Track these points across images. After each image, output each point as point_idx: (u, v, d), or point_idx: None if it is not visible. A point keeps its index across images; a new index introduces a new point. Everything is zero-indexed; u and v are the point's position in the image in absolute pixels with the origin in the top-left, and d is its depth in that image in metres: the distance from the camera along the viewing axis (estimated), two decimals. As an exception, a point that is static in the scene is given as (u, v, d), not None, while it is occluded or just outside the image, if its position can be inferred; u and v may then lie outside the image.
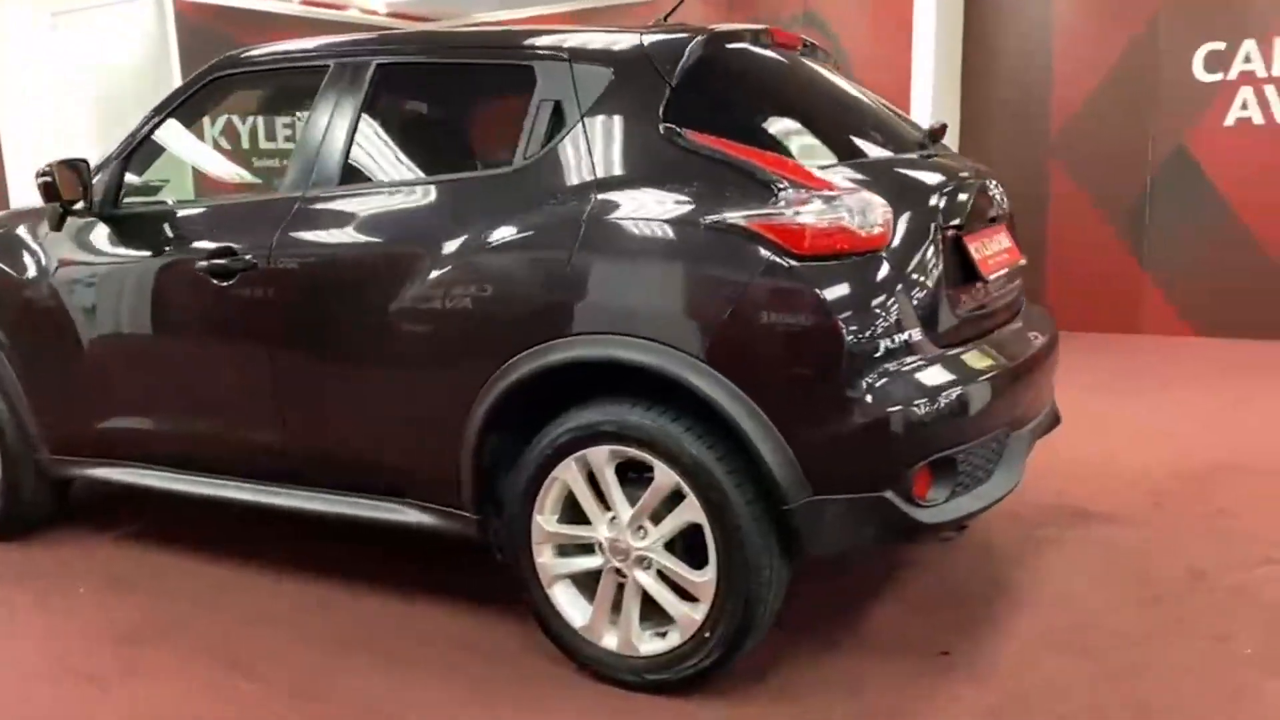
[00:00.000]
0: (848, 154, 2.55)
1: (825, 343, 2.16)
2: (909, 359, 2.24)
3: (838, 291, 2.17)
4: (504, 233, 2.46)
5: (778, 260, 2.16)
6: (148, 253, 3.07)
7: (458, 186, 2.62)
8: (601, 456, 2.36)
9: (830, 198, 2.20)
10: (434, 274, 2.52)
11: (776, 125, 2.66)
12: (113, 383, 3.17)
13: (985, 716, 2.29)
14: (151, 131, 3.18)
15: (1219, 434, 4.48)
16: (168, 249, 3.04)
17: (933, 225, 2.37)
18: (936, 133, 2.86)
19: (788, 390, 2.19)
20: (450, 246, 2.52)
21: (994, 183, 2.80)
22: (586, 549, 2.47)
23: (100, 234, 3.17)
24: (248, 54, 3.10)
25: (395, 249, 2.63)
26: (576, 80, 2.49)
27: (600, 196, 2.37)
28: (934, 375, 2.26)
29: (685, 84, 2.44)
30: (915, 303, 2.28)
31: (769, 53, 2.72)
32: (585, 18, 8.74)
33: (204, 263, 2.87)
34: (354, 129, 2.76)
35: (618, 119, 2.44)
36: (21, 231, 3.37)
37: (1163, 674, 2.44)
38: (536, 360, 2.38)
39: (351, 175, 2.76)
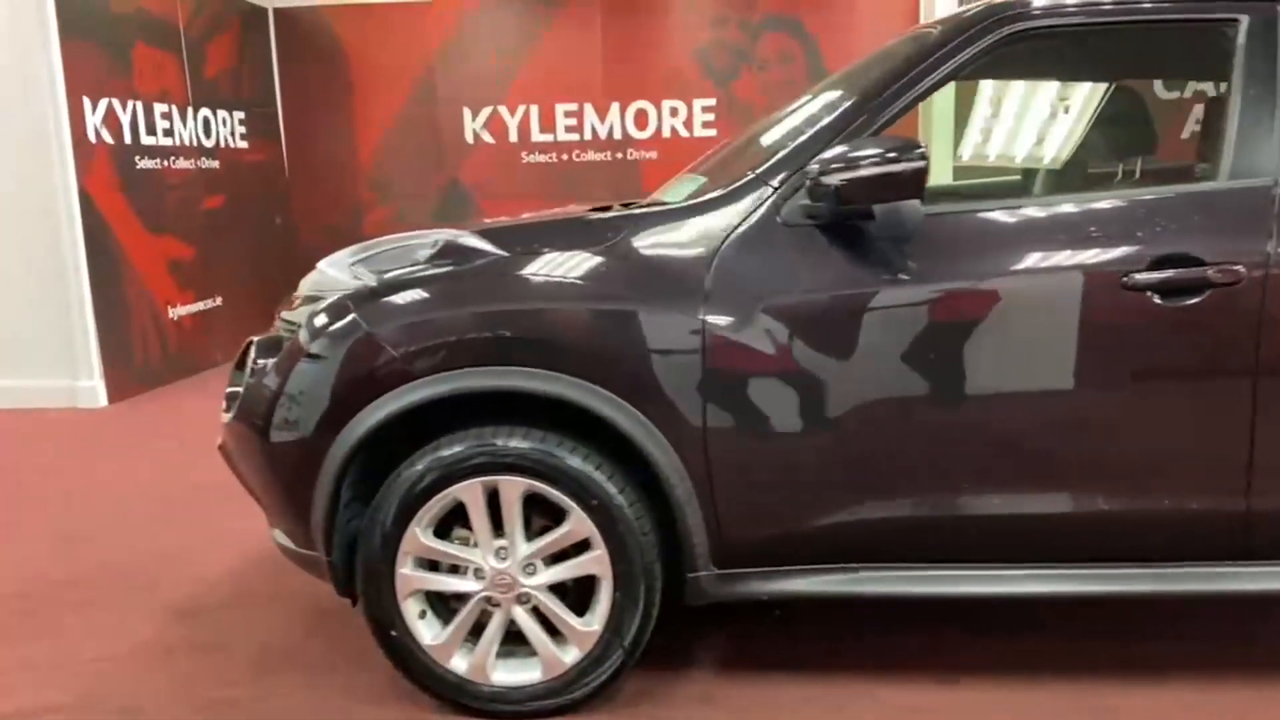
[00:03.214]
0: None
1: None
2: None
3: None
4: None
5: None
6: (994, 266, 2.20)
7: None
8: None
9: None
10: None
11: None
12: (892, 455, 2.22)
13: None
14: (904, 108, 2.28)
15: None
16: (1029, 260, 2.20)
17: None
18: None
19: None
20: None
21: None
22: None
23: (851, 245, 2.21)
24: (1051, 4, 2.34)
25: None
26: None
27: None
28: None
29: None
30: None
31: None
32: None
33: (1144, 276, 2.11)
34: None
35: None
36: (681, 253, 2.26)
37: None
38: None
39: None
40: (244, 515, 3.72)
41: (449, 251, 2.38)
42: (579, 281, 2.27)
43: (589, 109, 7.71)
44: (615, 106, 7.69)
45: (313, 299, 2.47)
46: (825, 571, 2.30)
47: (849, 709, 2.37)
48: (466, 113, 7.84)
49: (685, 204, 2.36)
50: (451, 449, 2.26)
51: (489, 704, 2.39)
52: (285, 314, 2.56)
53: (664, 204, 2.42)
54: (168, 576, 3.27)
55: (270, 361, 2.42)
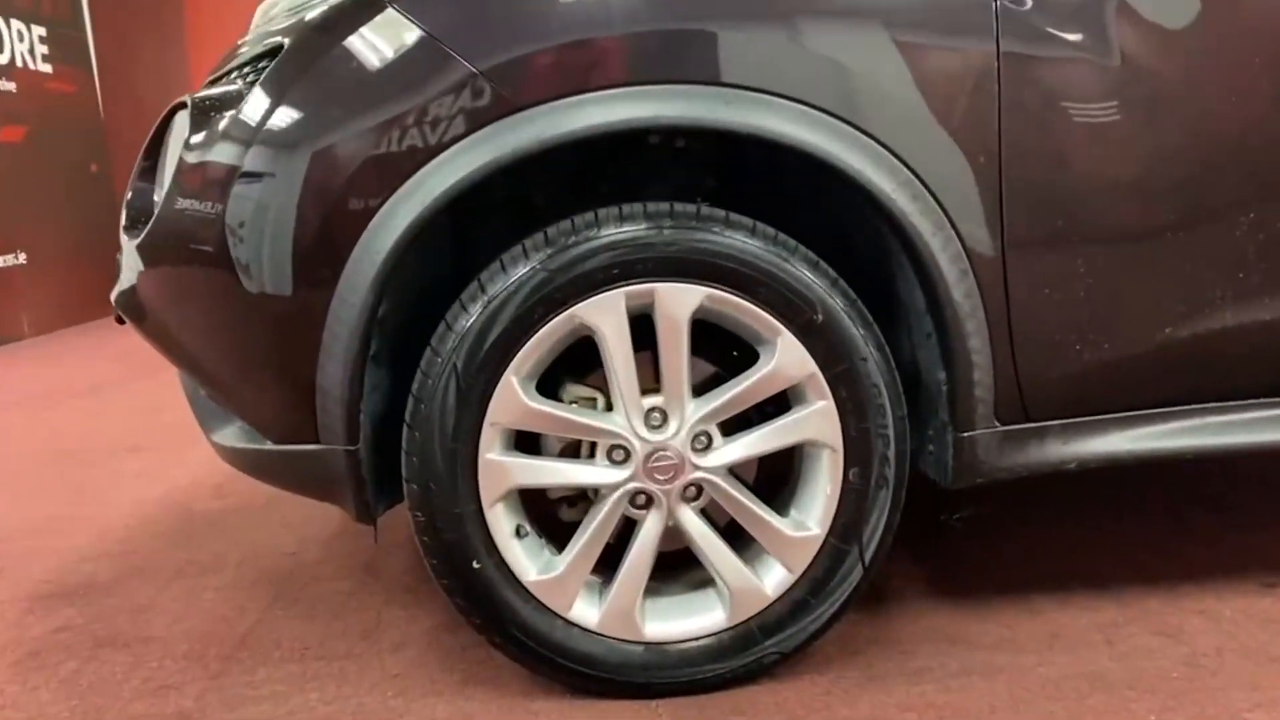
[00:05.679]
0: None
1: None
2: None
3: None
4: None
5: None
6: None
7: None
8: None
9: None
10: None
11: None
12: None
13: None
14: None
15: None
16: None
17: None
18: None
19: None
20: None
21: None
22: None
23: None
24: None
25: None
26: None
27: None
28: None
29: None
30: None
31: None
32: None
33: None
34: None
35: None
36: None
37: None
38: None
39: None
40: (105, 482, 2.61)
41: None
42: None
43: (473, 31, 6.70)
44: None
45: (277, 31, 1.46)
46: (1157, 419, 1.48)
47: (1184, 630, 1.55)
48: (326, 37, 6.67)
49: None
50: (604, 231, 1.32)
51: (640, 673, 1.44)
52: (221, 70, 1.54)
53: None
54: (12, 558, 2.13)
55: (219, 130, 1.38)
